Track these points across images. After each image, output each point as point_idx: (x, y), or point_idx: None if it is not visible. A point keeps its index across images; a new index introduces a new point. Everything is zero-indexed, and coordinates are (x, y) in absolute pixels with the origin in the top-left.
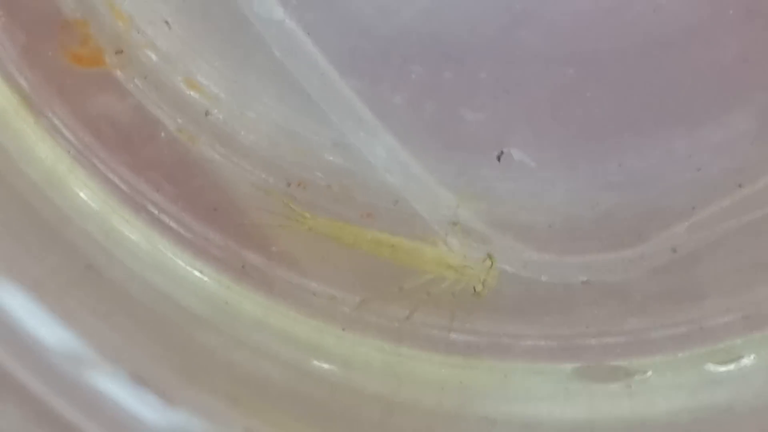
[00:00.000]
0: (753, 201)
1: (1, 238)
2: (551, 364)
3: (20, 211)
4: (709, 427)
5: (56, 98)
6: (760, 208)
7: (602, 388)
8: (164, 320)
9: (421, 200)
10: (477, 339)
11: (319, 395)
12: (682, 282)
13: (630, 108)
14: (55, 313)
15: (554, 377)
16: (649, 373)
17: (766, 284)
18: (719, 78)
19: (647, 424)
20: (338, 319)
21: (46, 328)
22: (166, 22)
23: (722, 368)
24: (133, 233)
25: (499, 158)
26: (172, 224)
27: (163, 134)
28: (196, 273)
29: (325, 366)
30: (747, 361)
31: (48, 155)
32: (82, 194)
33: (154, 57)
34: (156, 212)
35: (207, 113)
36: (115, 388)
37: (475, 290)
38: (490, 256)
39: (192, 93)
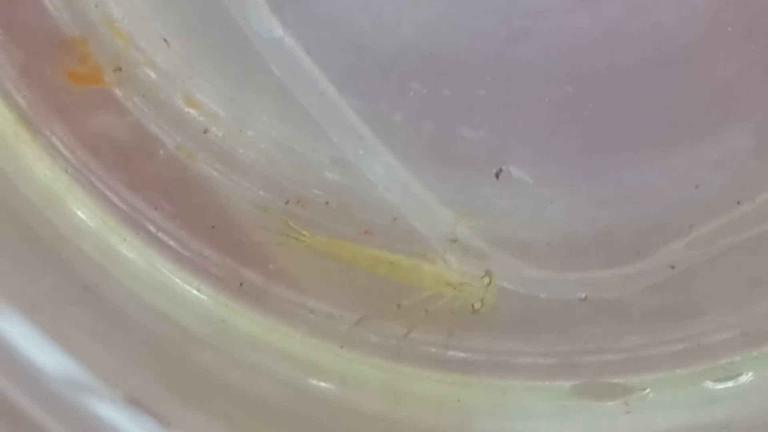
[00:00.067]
0: (751, 218)
1: None
2: (549, 382)
3: (17, 231)
4: None
5: (54, 116)
6: (758, 225)
7: (600, 406)
8: (161, 340)
9: (419, 217)
10: (475, 356)
11: (317, 414)
12: (680, 299)
13: (628, 125)
14: (51, 335)
15: (552, 395)
16: (648, 390)
17: (764, 301)
18: (718, 95)
19: None
20: (336, 337)
21: (42, 352)
22: (165, 40)
23: (720, 386)
24: (130, 252)
25: (497, 175)
26: (170, 242)
27: (161, 152)
28: (194, 291)
29: (323, 384)
30: (745, 378)
31: (46, 174)
32: (79, 213)
33: (152, 75)
34: (154, 230)
35: (206, 131)
36: (112, 412)
37: (473, 307)
38: (488, 273)
39: (191, 111)
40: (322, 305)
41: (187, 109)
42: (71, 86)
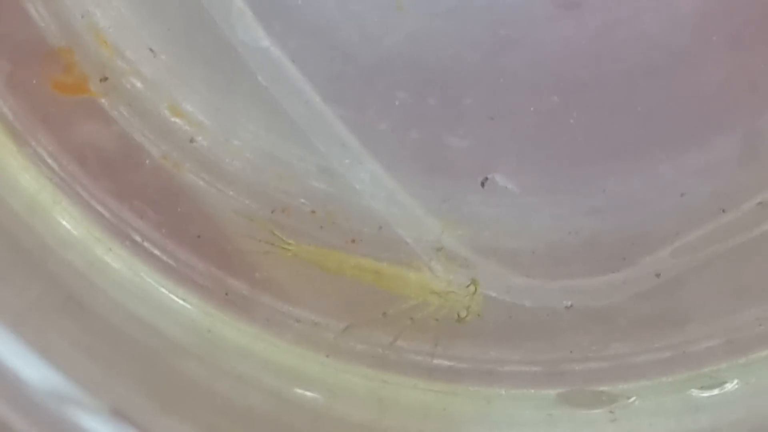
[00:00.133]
0: (736, 226)
1: None
2: (535, 390)
3: (1, 242)
4: None
5: (40, 126)
6: (743, 233)
7: (586, 414)
8: (147, 350)
9: (405, 226)
10: (461, 365)
11: (303, 423)
12: (665, 307)
13: (614, 134)
14: (35, 347)
15: (538, 403)
16: (633, 398)
17: (750, 309)
18: (703, 104)
19: None
20: (322, 346)
21: (26, 363)
22: (151, 50)
23: (706, 393)
24: (116, 262)
25: (483, 184)
26: (156, 252)
27: (147, 161)
28: (180, 301)
29: (309, 394)
30: (731, 386)
31: (31, 184)
32: (65, 223)
33: (138, 84)
34: (140, 240)
35: (191, 140)
36: (96, 425)
37: (459, 316)
38: (474, 282)
39: (176, 120)
40: (308, 314)
41: (173, 119)
42: (57, 96)
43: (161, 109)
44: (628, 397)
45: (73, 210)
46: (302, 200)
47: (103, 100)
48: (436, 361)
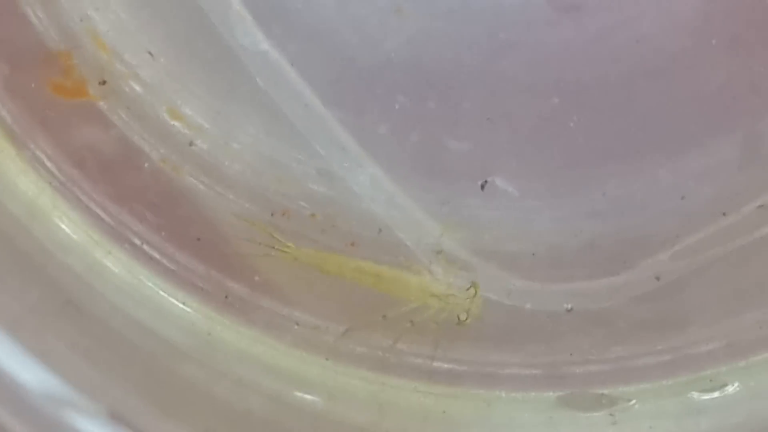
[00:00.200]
0: (737, 229)
1: None
2: (535, 393)
3: (0, 246)
4: None
5: (39, 130)
6: (743, 236)
7: (586, 417)
8: (146, 354)
9: (405, 229)
10: (461, 368)
11: (302, 427)
12: (666, 310)
13: (614, 137)
14: (33, 351)
15: (538, 406)
16: (633, 401)
17: (750, 312)
18: (703, 106)
19: None
20: (322, 349)
21: (24, 367)
22: (150, 53)
23: (706, 396)
24: (115, 265)
25: (482, 187)
26: (155, 255)
27: (146, 165)
28: (179, 304)
29: (308, 397)
30: (731, 389)
31: (30, 187)
32: (64, 226)
33: (137, 88)
34: (139, 243)
35: (191, 143)
36: (94, 428)
37: (459, 319)
38: (474, 285)
39: (176, 123)
40: (308, 317)
41: (172, 122)
42: (56, 99)
43: (160, 113)
44: (629, 400)
45: (72, 213)
46: (302, 203)
47: (102, 104)
48: (435, 364)
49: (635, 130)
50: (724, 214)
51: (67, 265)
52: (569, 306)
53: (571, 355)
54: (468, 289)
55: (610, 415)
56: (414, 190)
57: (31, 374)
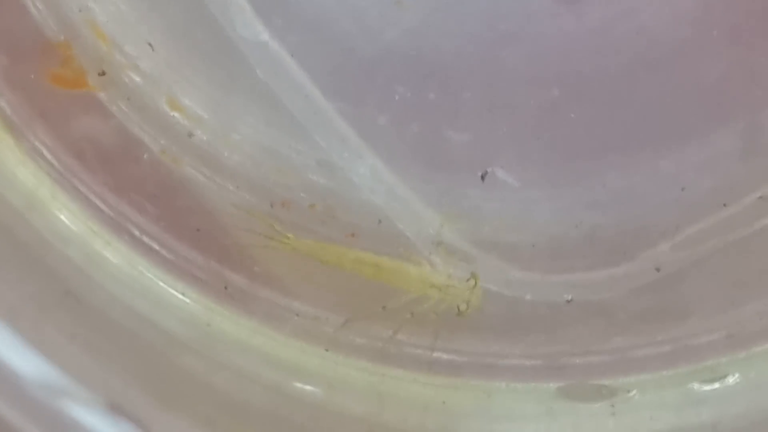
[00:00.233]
0: (737, 220)
1: None
2: (535, 384)
3: None
4: None
5: (38, 120)
6: (744, 227)
7: (586, 408)
8: (145, 344)
9: (405, 220)
10: (461, 358)
11: (301, 418)
12: (666, 301)
13: (614, 128)
14: (30, 340)
15: (538, 396)
16: (634, 392)
17: (750, 303)
18: (703, 97)
19: None
20: (322, 340)
21: (21, 357)
22: (149, 44)
23: (707, 387)
24: (114, 256)
25: (483, 178)
26: (155, 246)
27: (146, 156)
28: (178, 295)
29: (308, 388)
30: (732, 380)
31: (29, 178)
32: (63, 217)
33: (137, 78)
34: (138, 234)
35: (190, 135)
36: (92, 419)
37: (459, 309)
38: (474, 276)
39: (175, 114)
40: (308, 308)
41: (171, 113)
42: (55, 90)
43: (160, 104)
44: (629, 391)
45: (72, 204)
46: (301, 194)
47: (101, 95)
48: (435, 355)
49: (635, 121)
50: (724, 205)
51: (66, 256)
52: (569, 297)
53: (571, 345)
54: (468, 280)
55: (611, 406)
56: (414, 181)
57: (29, 365)
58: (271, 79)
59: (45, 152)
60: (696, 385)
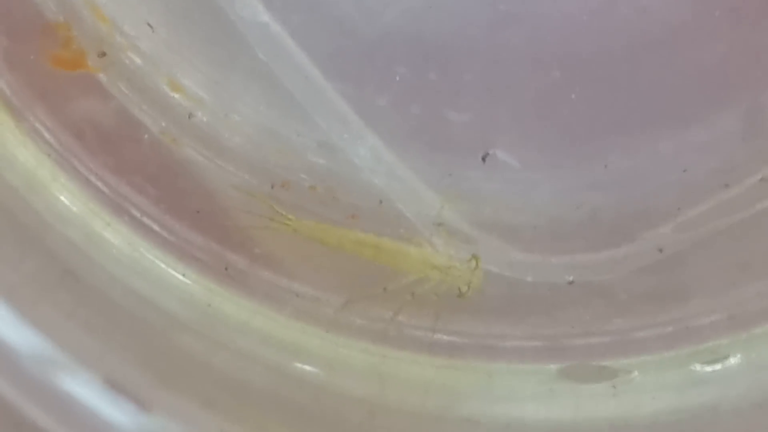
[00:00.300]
0: (739, 201)
1: None
2: (536, 365)
3: None
4: (694, 427)
5: (38, 102)
6: (746, 208)
7: (587, 389)
8: (144, 324)
9: (405, 201)
10: (461, 340)
11: (302, 398)
12: (667, 282)
13: (616, 109)
14: (28, 317)
15: (539, 377)
16: (635, 373)
17: (751, 284)
18: (705, 79)
19: (632, 424)
20: (322, 321)
21: (17, 333)
22: (149, 25)
23: (708, 368)
24: (114, 237)
25: (484, 159)
26: (155, 227)
27: (146, 137)
28: (179, 276)
29: (308, 368)
30: (733, 361)
31: (29, 159)
32: (63, 198)
33: (137, 60)
34: (138, 215)
35: (190, 116)
36: (89, 393)
37: (460, 291)
38: (475, 257)
39: (175, 95)
40: (308, 289)
41: (171, 94)
42: (55, 71)
43: (160, 85)
44: (630, 372)
45: (72, 185)
46: (302, 175)
47: (101, 76)
48: (436, 336)
49: (637, 103)
50: (726, 186)
51: (66, 237)
52: (570, 278)
53: (572, 327)
54: (469, 261)
55: (612, 387)
56: (415, 162)
57: (27, 341)
58: (271, 60)
59: (45, 133)
60: (697, 366)
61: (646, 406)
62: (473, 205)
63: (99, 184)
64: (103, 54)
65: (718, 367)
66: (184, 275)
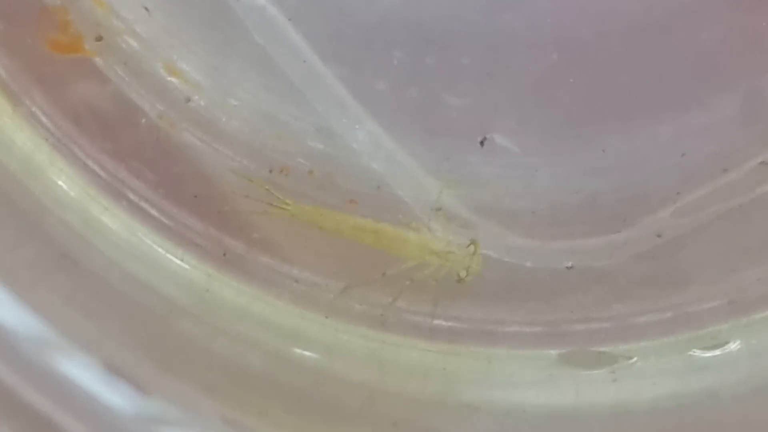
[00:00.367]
0: (738, 186)
1: None
2: (535, 350)
3: None
4: (694, 413)
5: (35, 86)
6: (745, 192)
7: (587, 374)
8: (143, 309)
9: (404, 186)
10: (460, 325)
11: (301, 383)
12: (667, 267)
13: (614, 93)
14: (26, 301)
15: (538, 363)
16: (634, 359)
17: (751, 269)
18: (704, 63)
19: (632, 410)
20: (321, 306)
21: (15, 316)
22: (146, 8)
23: (708, 354)
24: (112, 221)
25: (482, 144)
26: (153, 212)
27: (143, 121)
28: (177, 261)
29: (307, 354)
30: (733, 346)
31: (26, 144)
32: (60, 182)
33: (134, 43)
34: (136, 200)
35: (188, 100)
36: (87, 377)
37: (459, 276)
38: (473, 242)
39: (173, 79)
40: (307, 274)
41: (169, 78)
42: (52, 55)
43: (157, 69)
44: (630, 358)
45: (69, 169)
46: (300, 160)
47: (98, 60)
48: (435, 322)
49: (635, 87)
50: (725, 170)
51: (63, 221)
52: (570, 263)
53: (571, 312)
54: (468, 247)
55: (611, 372)
56: (413, 146)
57: (24, 324)
58: (268, 44)
59: (42, 117)
60: (697, 352)
61: (646, 392)
62: (472, 190)
63: (96, 168)
64: (100, 38)
65: (718, 352)
66: (182, 260)
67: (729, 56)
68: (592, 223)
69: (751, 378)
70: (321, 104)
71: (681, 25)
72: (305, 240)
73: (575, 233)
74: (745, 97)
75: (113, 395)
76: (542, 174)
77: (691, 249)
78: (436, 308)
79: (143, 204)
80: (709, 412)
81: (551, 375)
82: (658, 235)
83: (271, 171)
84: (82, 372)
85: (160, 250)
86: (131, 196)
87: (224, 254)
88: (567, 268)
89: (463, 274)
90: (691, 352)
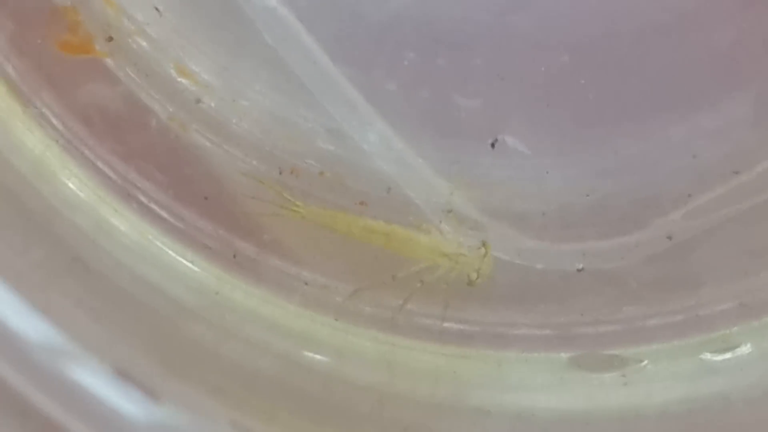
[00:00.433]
0: (749, 188)
1: None
2: (546, 353)
3: (6, 203)
4: (705, 416)
5: (45, 87)
6: (756, 194)
7: (598, 378)
8: (153, 312)
9: (414, 188)
10: (471, 328)
11: (311, 386)
12: (678, 270)
13: (625, 95)
14: (36, 306)
15: (549, 366)
16: (645, 362)
17: (763, 272)
18: (715, 64)
19: (642, 413)
20: (331, 309)
21: (25, 321)
22: (157, 9)
23: (718, 357)
24: (122, 223)
25: (493, 145)
26: (163, 213)
27: (153, 122)
28: (187, 263)
29: (317, 357)
30: (744, 349)
31: (36, 145)
32: (70, 184)
33: (144, 44)
34: (146, 201)
35: (198, 101)
36: (97, 383)
37: (469, 278)
38: (484, 244)
39: (183, 80)
40: (317, 276)
41: (179, 79)
42: (62, 56)
43: (167, 70)
44: (640, 361)
45: (79, 171)
46: (310, 161)
47: (108, 60)
48: (446, 325)
49: (646, 88)
50: (736, 172)
51: (73, 223)
52: (580, 266)
53: (582, 315)
54: (478, 249)
55: (622, 376)
56: (424, 148)
57: (35, 329)
58: (279, 45)
59: (52, 119)
60: (708, 355)
61: (657, 396)
62: (482, 192)
63: (107, 169)
64: (111, 39)
65: (729, 355)
66: (192, 262)
67: (741, 57)
68: (602, 225)
69: (762, 381)
70: (331, 105)
71: (692, 27)
72: (315, 242)
73: (586, 235)
74: (757, 98)
75: (123, 400)
76: (553, 176)
77: (703, 251)
78: (446, 311)
79: (153, 206)
80: (720, 416)
81: (562, 378)
82: (669, 238)
83: (281, 172)
84: (91, 377)
85: (170, 252)
86: (141, 197)
87: (234, 256)
88: (578, 270)
89: (473, 276)
90: (702, 356)
